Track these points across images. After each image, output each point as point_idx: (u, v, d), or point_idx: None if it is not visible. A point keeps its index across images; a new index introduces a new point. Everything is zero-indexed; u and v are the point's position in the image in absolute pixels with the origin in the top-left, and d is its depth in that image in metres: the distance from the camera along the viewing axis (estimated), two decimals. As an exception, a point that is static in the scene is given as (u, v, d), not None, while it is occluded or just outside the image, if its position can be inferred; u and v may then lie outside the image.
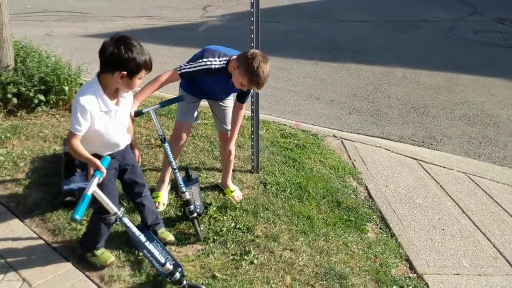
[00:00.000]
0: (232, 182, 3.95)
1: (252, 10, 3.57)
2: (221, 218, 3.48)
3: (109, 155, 2.74)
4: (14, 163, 4.03)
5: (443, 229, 3.78)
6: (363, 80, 7.34)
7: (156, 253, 2.65)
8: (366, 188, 4.27)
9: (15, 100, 4.85)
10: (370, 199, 4.10)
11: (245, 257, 3.09)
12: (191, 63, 3.23)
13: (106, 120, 2.62)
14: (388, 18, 11.24)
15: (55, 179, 3.81)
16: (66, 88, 5.13)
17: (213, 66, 3.16)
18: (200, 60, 3.19)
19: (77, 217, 2.23)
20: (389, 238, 3.61)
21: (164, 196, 3.69)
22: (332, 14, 11.69)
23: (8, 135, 4.47)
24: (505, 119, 6.03)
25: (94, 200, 2.49)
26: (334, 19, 11.23)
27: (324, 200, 3.93)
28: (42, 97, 5.00)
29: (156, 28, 10.25)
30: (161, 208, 3.59)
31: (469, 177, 4.65)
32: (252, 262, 3.05)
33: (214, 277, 2.89)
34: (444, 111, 6.24)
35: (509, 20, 10.88)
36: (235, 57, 3.16)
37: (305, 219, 3.61)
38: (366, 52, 8.63)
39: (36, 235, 3.17)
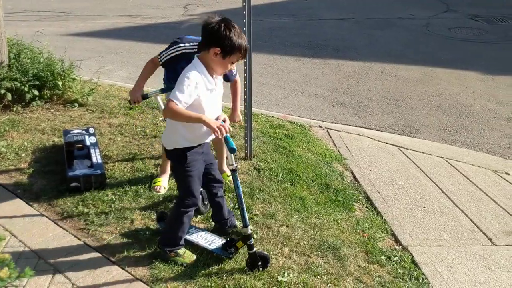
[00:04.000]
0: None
1: (244, 4, 3.82)
2: (220, 200, 3.70)
3: (199, 146, 2.86)
4: (16, 154, 4.18)
5: (424, 207, 4.08)
6: (344, 75, 7.64)
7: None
8: (352, 172, 4.55)
9: (9, 96, 4.97)
10: (356, 182, 4.37)
11: (245, 233, 3.32)
12: (168, 50, 3.42)
13: (211, 99, 2.71)
14: (366, 16, 11.60)
15: (57, 167, 3.98)
16: (60, 83, 5.27)
17: (186, 50, 3.37)
18: (175, 46, 3.40)
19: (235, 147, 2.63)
20: (375, 215, 3.89)
21: (164, 180, 3.90)
22: (312, 13, 12.00)
23: (7, 128, 4.61)
24: (479, 109, 6.40)
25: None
26: (314, 17, 11.53)
27: (314, 183, 4.19)
28: (36, 92, 5.14)
29: (138, 27, 10.37)
30: (162, 191, 3.79)
31: (446, 161, 4.98)
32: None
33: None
34: (422, 102, 6.58)
35: (481, 16, 11.36)
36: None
37: (297, 199, 3.86)
38: (346, 48, 8.95)
39: (46, 217, 3.34)
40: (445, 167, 4.84)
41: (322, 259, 3.16)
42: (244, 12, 3.86)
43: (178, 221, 2.95)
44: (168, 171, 3.99)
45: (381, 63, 8.17)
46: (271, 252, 3.14)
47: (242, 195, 2.89)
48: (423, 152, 5.12)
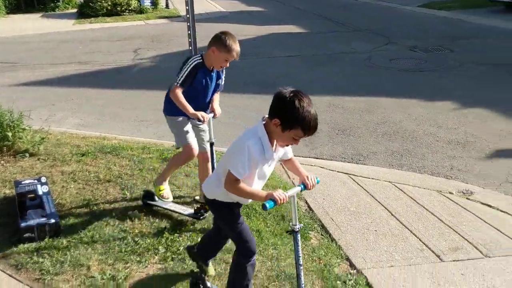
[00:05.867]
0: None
1: (190, 48, 4.01)
2: (178, 239, 3.74)
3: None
4: (-36, 208, 4.09)
5: (376, 230, 4.25)
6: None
7: None
8: (306, 202, 4.70)
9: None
10: (311, 211, 4.52)
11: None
12: (181, 71, 3.83)
13: (264, 167, 2.65)
14: (310, 53, 12.10)
15: (9, 219, 3.92)
16: (10, 134, 5.22)
17: (195, 62, 3.83)
18: (186, 63, 3.83)
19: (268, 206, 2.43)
20: (330, 242, 4.02)
21: (167, 187, 4.31)
22: (259, 51, 12.40)
23: (-45, 182, 4.50)
24: (421, 134, 6.76)
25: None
26: (261, 56, 11.93)
27: (270, 215, 4.30)
28: (-16, 144, 5.07)
29: (88, 73, 10.39)
30: (171, 197, 4.26)
31: (394, 185, 5.22)
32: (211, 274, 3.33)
33: (176, 290, 3.15)
34: (368, 131, 6.90)
35: (419, 47, 12.07)
36: (209, 50, 3.81)
37: (255, 232, 3.95)
38: (295, 84, 9.17)
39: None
40: (393, 191, 5.07)
41: (280, 289, 3.25)
42: (190, 48, 4.03)
43: (243, 274, 2.85)
44: (168, 179, 4.32)
45: (329, 96, 8.51)
46: (230, 286, 3.20)
47: (301, 259, 2.70)
48: (372, 178, 5.35)
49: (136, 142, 6.04)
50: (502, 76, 9.36)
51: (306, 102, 2.47)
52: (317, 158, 5.98)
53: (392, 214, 4.54)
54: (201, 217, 4.05)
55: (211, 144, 4.05)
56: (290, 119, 2.44)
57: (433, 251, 3.98)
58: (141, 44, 13.68)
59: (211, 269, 3.31)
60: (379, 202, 4.78)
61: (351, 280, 3.50)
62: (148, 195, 4.38)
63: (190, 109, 3.79)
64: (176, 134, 4.17)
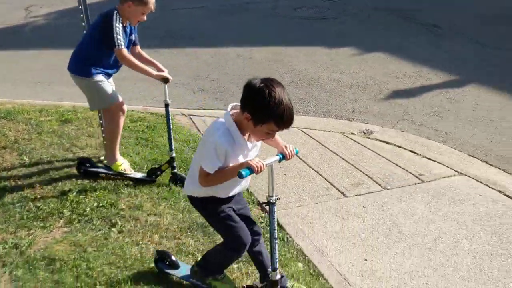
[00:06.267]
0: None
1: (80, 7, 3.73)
2: (84, 201, 3.61)
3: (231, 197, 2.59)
4: None
5: (285, 174, 4.40)
6: (203, 61, 7.79)
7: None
8: (217, 153, 4.72)
9: None
10: (221, 162, 4.55)
11: (113, 229, 3.30)
12: (115, 32, 3.58)
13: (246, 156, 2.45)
14: (215, 4, 11.84)
15: None
16: None
17: (119, 18, 3.64)
18: (112, 20, 3.59)
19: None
20: (241, 190, 4.10)
21: (124, 161, 4.11)
22: (163, 4, 11.90)
23: None
24: (326, 80, 6.98)
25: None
26: (165, 9, 11.47)
27: (181, 169, 4.27)
28: None
29: (-24, 35, 9.44)
30: (133, 171, 4.07)
31: (301, 130, 5.39)
32: (120, 231, 3.28)
33: (85, 251, 3.06)
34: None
35: (322, -4, 12.30)
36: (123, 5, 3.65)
37: (164, 187, 3.92)
38: (201, 36, 9.10)
39: None
40: (301, 136, 5.24)
41: (192, 239, 3.27)
42: (80, 7, 3.75)
43: (225, 260, 2.69)
44: (117, 151, 4.13)
45: (236, 47, 8.46)
46: (141, 242, 3.17)
47: (277, 234, 2.48)
48: (280, 125, 5.47)
49: (32, 105, 5.63)
50: (398, 21, 9.82)
51: (278, 92, 2.18)
52: (223, 110, 5.97)
53: (300, 158, 4.71)
54: (155, 178, 4.03)
55: (167, 105, 3.90)
56: (261, 113, 2.19)
57: (337, 189, 4.21)
58: (33, 1, 12.56)
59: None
60: (287, 147, 4.91)
61: (263, 222, 3.62)
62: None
63: (153, 72, 3.70)
64: (97, 96, 3.90)
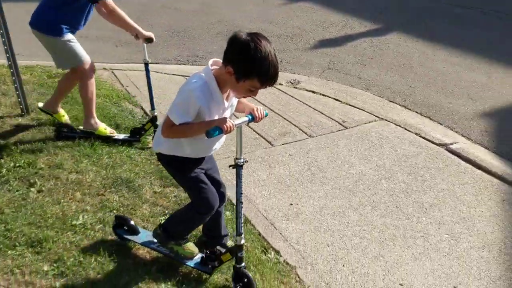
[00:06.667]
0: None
1: None
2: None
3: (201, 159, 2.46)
4: None
5: (213, 126, 4.38)
6: (126, 13, 7.41)
7: None
8: (142, 108, 4.60)
9: None
10: (147, 116, 4.45)
11: (32, 188, 3.16)
12: None
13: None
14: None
15: None
16: None
17: None
18: None
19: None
20: (168, 143, 4.04)
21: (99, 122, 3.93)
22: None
23: None
24: (255, 30, 6.88)
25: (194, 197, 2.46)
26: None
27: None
28: None
29: None
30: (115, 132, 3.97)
31: (229, 82, 5.35)
32: (40, 191, 3.15)
33: (3, 212, 2.92)
34: (203, 31, 6.84)
35: None
36: None
37: (86, 144, 3.77)
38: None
39: None
40: (228, 88, 5.21)
41: (117, 194, 3.21)
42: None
43: (191, 222, 2.57)
44: (94, 114, 3.93)
45: (161, -2, 8.14)
46: (62, 201, 3.07)
47: (242, 197, 2.37)
48: (207, 78, 5.40)
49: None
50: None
51: (265, 47, 2.05)
52: (151, 63, 5.78)
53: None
54: (139, 137, 3.97)
55: (147, 64, 3.90)
56: (244, 67, 2.07)
57: (265, 139, 4.26)
58: None
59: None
60: (215, 99, 4.87)
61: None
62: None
63: (142, 30, 3.76)
64: (68, 55, 3.69)
